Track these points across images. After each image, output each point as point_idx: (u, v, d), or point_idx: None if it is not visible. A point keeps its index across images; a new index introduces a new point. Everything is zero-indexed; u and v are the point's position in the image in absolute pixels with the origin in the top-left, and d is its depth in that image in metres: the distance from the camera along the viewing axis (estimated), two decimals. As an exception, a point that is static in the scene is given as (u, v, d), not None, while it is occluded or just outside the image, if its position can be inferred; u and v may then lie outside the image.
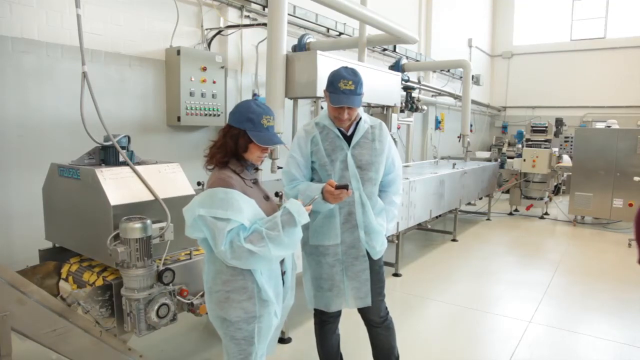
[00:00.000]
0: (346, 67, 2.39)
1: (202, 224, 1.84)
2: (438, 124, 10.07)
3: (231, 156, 1.98)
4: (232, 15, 4.90)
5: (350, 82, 2.29)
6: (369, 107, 5.12)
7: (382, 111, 5.19)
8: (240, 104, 2.04)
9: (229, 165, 1.98)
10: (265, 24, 4.36)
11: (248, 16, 5.09)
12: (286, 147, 2.39)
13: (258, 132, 1.95)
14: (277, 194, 3.43)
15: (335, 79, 2.32)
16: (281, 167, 2.68)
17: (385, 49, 7.66)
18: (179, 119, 4.32)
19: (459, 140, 8.29)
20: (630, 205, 7.39)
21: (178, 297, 2.45)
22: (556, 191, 9.51)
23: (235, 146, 1.96)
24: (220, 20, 4.86)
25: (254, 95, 5.18)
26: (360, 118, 2.49)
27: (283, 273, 2.11)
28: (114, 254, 2.24)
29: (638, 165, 7.35)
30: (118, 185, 2.39)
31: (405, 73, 7.55)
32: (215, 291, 1.96)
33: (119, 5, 3.95)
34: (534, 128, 9.63)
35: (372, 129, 2.49)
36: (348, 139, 2.44)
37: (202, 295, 2.54)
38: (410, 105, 7.06)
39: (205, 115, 4.52)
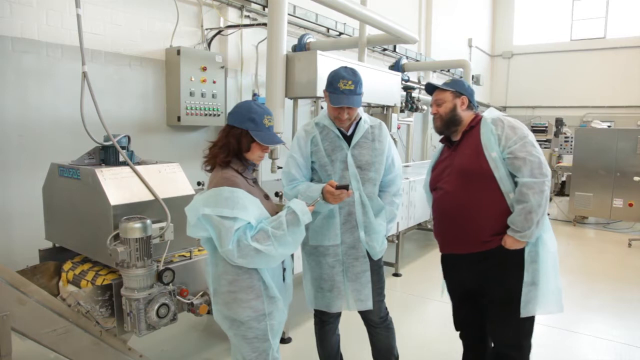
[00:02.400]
0: (345, 67, 2.38)
1: (207, 223, 1.85)
2: (438, 124, 10.04)
3: (233, 156, 1.99)
4: (232, 15, 4.91)
5: (349, 82, 2.28)
6: (369, 107, 5.12)
7: (382, 111, 5.18)
8: (241, 104, 2.06)
9: (231, 165, 1.99)
10: (265, 24, 4.35)
11: (248, 16, 5.09)
12: (286, 147, 2.39)
13: (260, 132, 1.97)
14: (277, 194, 3.43)
15: (334, 79, 2.32)
16: (281, 167, 2.68)
17: (385, 49, 7.65)
18: (179, 119, 4.32)
19: (459, 140, 8.26)
20: (630, 205, 7.39)
21: (178, 297, 2.45)
22: (560, 191, 9.40)
23: (238, 146, 1.97)
24: (220, 20, 4.86)
25: (254, 95, 5.18)
26: (360, 118, 2.48)
27: (283, 270, 2.12)
28: (113, 254, 2.24)
29: (638, 165, 7.34)
30: (118, 185, 2.39)
31: (405, 73, 7.54)
32: (221, 292, 1.96)
33: (119, 5, 3.95)
34: (534, 128, 9.62)
35: (372, 129, 2.49)
36: (348, 139, 2.44)
37: (202, 295, 2.55)
38: (410, 105, 7.05)
39: (205, 115, 4.52)
